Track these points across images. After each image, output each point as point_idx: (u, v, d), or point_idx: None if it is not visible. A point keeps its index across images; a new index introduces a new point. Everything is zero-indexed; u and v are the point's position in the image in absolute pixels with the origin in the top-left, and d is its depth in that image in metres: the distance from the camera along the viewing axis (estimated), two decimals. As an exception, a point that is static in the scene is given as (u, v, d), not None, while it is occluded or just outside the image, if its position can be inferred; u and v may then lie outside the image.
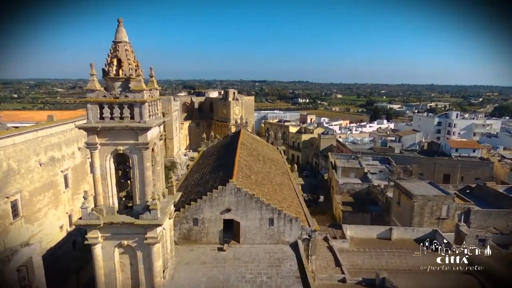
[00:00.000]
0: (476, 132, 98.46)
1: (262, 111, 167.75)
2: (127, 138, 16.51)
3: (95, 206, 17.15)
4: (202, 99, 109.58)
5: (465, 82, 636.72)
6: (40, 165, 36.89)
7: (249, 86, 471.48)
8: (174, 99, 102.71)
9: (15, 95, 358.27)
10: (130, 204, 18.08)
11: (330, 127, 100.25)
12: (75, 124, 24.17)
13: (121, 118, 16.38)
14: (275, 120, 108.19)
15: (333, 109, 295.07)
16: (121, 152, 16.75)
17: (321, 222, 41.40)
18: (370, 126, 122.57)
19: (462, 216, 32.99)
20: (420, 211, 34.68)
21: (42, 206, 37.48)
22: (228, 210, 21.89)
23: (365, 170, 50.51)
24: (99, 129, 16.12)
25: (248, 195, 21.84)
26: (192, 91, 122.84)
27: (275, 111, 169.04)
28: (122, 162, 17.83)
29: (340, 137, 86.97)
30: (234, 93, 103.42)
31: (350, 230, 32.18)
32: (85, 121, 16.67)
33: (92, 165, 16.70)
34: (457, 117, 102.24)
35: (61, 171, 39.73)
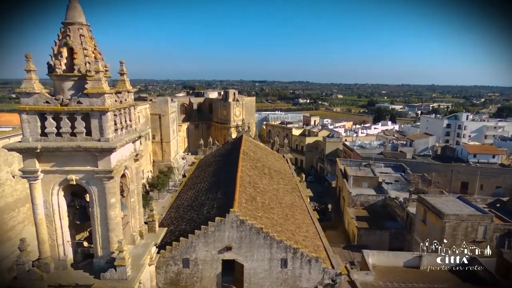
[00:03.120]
0: (488, 134, 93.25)
1: (263, 112, 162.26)
2: (81, 163, 11.30)
3: (38, 259, 11.97)
4: (201, 99, 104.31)
5: (466, 83, 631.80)
6: (13, 177, 31.82)
7: (249, 86, 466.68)
8: (172, 99, 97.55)
9: (14, 95, 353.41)
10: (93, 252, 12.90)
11: (334, 129, 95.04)
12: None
13: (73, 134, 11.20)
14: (277, 122, 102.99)
15: (334, 109, 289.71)
16: (74, 183, 11.56)
17: (334, 241, 36.21)
18: (375, 128, 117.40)
19: (506, 241, 27.85)
20: (452, 233, 29.47)
21: (16, 223, 32.50)
22: (229, 248, 16.68)
23: (380, 180, 45.28)
24: (39, 150, 10.93)
25: (254, 229, 16.61)
26: (191, 91, 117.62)
27: (276, 112, 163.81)
28: (78, 194, 12.63)
29: (346, 140, 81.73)
30: (234, 93, 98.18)
31: (372, 257, 26.96)
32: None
33: (32, 201, 11.51)
34: (467, 119, 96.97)
35: (39, 183, 34.48)
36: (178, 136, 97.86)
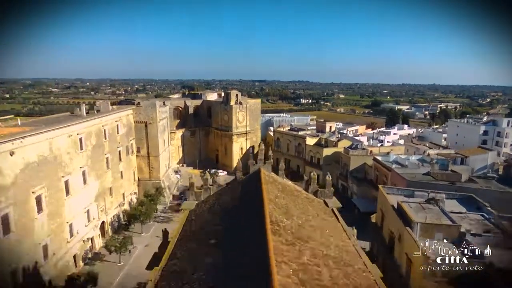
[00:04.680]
0: (534, 143, 78.11)
1: (266, 114, 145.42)
2: None
3: None
4: (198, 102, 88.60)
5: (467, 82, 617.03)
6: None
7: (249, 86, 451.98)
8: (163, 103, 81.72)
9: (7, 95, 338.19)
10: None
11: (355, 137, 79.60)
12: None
13: None
14: (286, 128, 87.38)
15: (338, 110, 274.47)
16: None
17: None
18: (394, 134, 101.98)
19: None
20: None
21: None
22: None
23: (462, 229, 29.73)
24: None
25: None
26: (187, 92, 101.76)
27: (281, 114, 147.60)
28: None
29: (371, 152, 66.40)
30: (237, 95, 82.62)
31: None
32: None
33: None
34: (508, 124, 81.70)
35: None
36: (170, 145, 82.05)
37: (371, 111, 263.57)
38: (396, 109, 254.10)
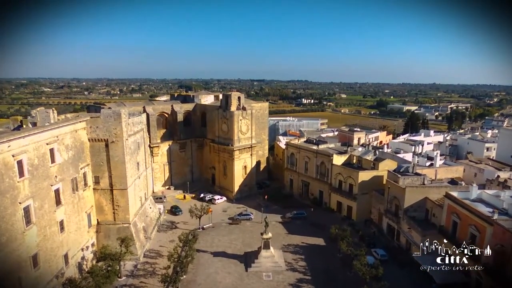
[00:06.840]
0: None
1: (270, 118, 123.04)
2: None
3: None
4: (189, 107, 67.90)
5: (467, 82, 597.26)
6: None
7: (248, 85, 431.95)
8: (143, 108, 61.45)
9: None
10: None
11: (397, 154, 59.29)
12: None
13: None
14: (302, 140, 66.76)
15: (342, 111, 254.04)
16: None
17: None
18: (428, 143, 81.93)
19: None
20: None
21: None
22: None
23: None
24: None
25: None
26: (176, 94, 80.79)
27: (288, 118, 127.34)
28: None
29: (427, 177, 46.08)
30: (239, 98, 62.05)
31: None
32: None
33: None
34: None
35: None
36: (153, 163, 61.43)
37: (378, 112, 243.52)
38: (405, 110, 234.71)
